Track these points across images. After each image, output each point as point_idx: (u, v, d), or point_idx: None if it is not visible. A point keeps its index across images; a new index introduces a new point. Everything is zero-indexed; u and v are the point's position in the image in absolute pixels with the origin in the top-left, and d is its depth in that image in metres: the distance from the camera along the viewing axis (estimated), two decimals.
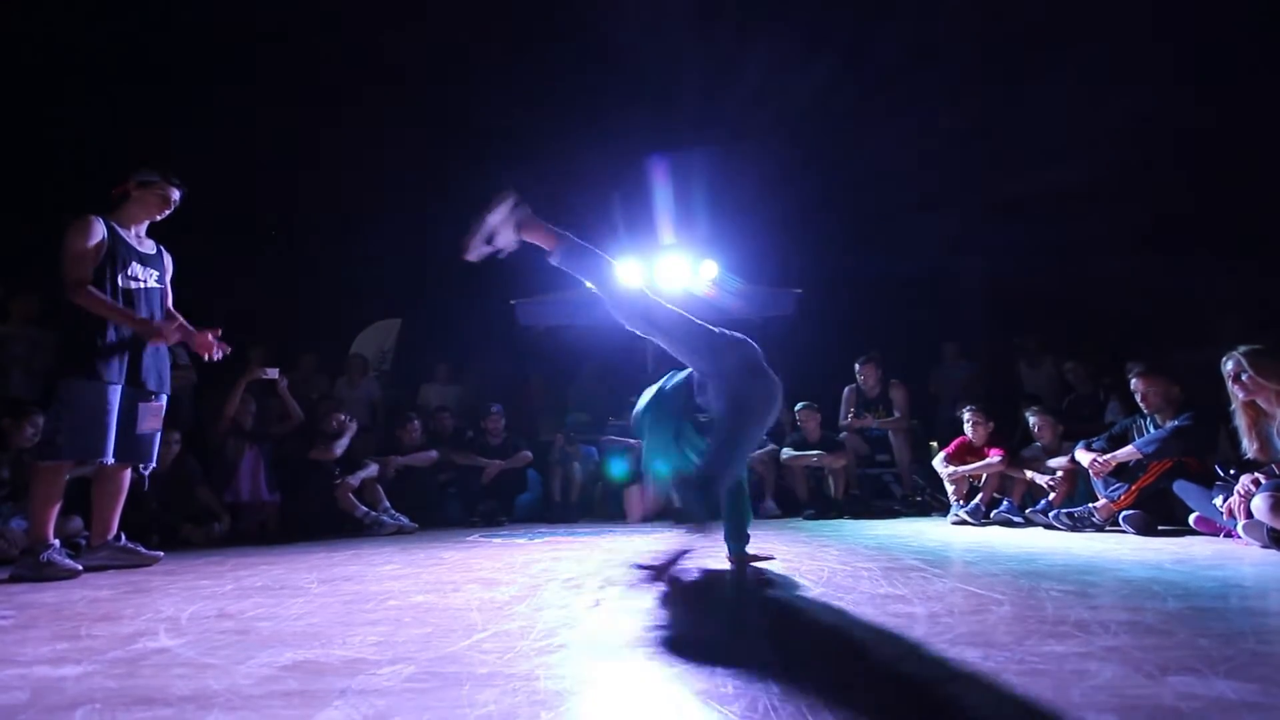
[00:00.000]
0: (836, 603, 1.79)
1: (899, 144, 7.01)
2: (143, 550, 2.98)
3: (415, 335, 7.71)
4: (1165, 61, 5.75)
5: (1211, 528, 3.24)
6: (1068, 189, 6.25)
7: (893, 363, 5.69)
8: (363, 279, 7.65)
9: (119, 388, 2.81)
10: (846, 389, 5.64)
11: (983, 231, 6.88)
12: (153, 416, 2.93)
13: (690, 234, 6.67)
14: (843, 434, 5.43)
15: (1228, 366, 3.02)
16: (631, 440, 5.50)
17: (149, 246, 3.02)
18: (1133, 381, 3.87)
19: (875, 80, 6.70)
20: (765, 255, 7.10)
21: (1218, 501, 3.14)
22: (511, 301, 6.62)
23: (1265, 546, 2.74)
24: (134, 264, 2.90)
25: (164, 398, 3.02)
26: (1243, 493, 2.89)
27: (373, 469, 4.68)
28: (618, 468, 5.36)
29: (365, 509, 4.51)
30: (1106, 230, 6.16)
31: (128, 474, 3.00)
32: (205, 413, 4.81)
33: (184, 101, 6.21)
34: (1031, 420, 4.49)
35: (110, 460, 2.78)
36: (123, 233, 2.90)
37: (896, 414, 5.41)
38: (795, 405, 5.43)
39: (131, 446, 2.89)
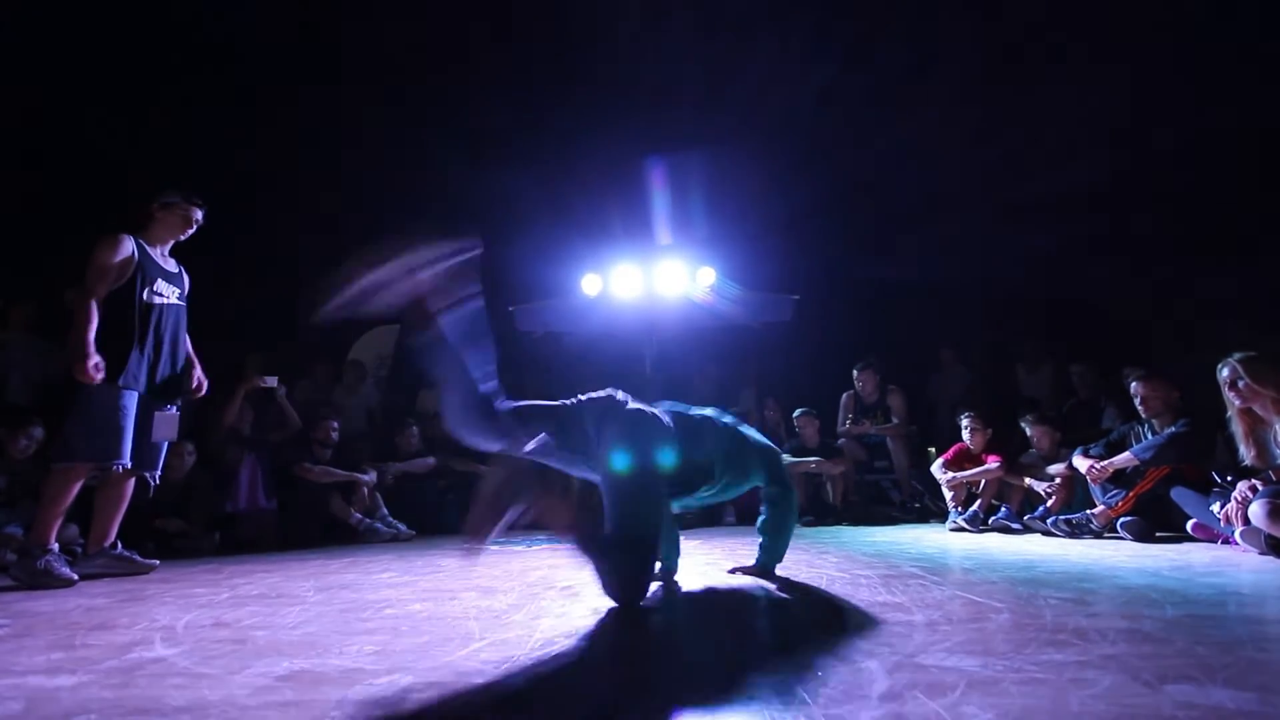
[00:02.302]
0: (835, 610, 1.79)
1: (898, 149, 7.03)
2: (138, 558, 2.98)
3: (414, 341, 7.69)
4: (1165, 65, 5.77)
5: (1209, 534, 3.24)
6: (1067, 194, 6.27)
7: (890, 369, 5.70)
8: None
9: (135, 394, 2.88)
10: (844, 395, 5.64)
11: (982, 237, 6.90)
12: (166, 425, 3.01)
13: (688, 239, 6.68)
14: (841, 440, 5.43)
15: (1224, 373, 3.03)
16: None
17: (172, 265, 3.15)
18: (1132, 386, 3.87)
19: (874, 85, 6.73)
20: (763, 261, 7.10)
21: (1215, 508, 3.15)
22: (510, 307, 6.63)
23: (1263, 553, 2.75)
24: (159, 280, 3.03)
25: (175, 408, 3.08)
26: (1240, 499, 2.90)
27: (371, 476, 4.68)
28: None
29: (360, 516, 4.50)
30: (1106, 236, 6.17)
31: (131, 483, 3.02)
32: (203, 421, 4.81)
33: (184, 110, 6.21)
34: (1029, 431, 4.49)
35: (128, 463, 2.84)
36: (150, 251, 3.03)
37: (895, 420, 5.41)
38: (794, 412, 5.43)
39: (144, 454, 2.95)
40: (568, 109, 7.18)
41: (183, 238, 3.15)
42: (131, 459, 2.87)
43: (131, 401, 2.87)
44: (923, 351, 6.70)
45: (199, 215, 3.14)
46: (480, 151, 7.23)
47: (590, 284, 6.19)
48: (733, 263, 6.47)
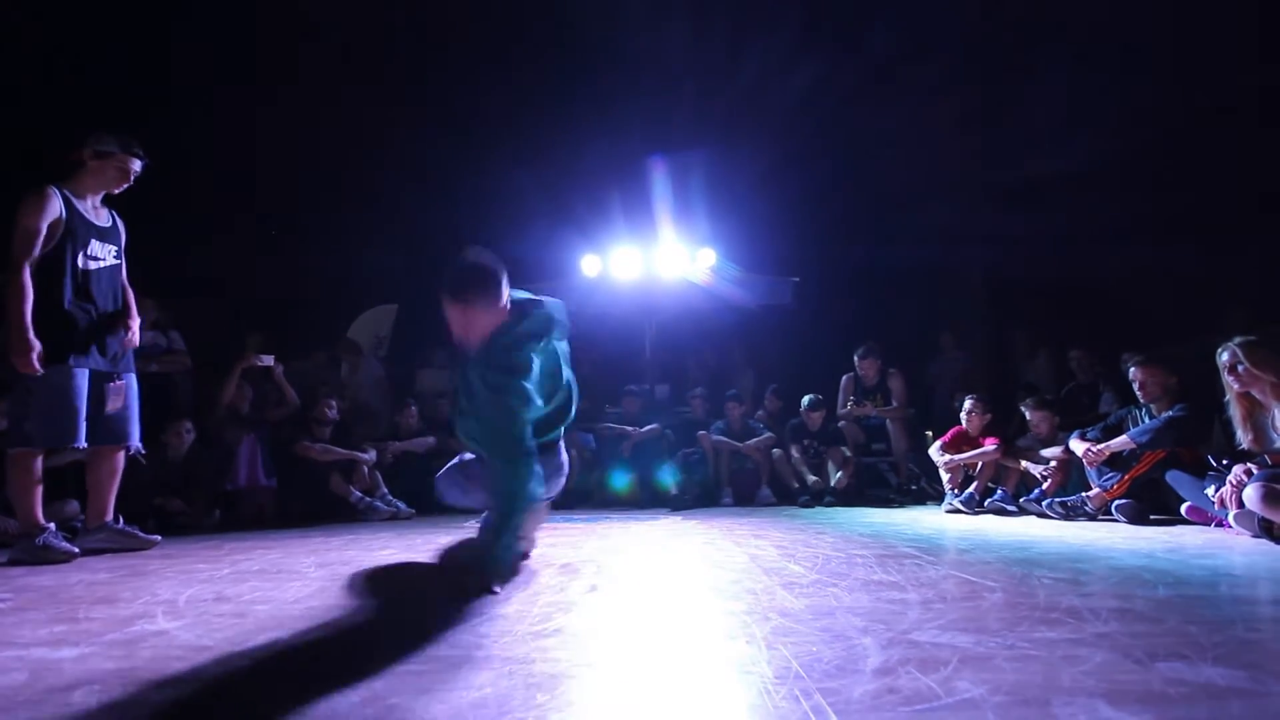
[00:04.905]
0: (830, 588, 1.80)
1: (897, 132, 6.97)
2: (140, 534, 2.98)
3: (412, 320, 7.69)
4: (1166, 48, 5.71)
5: (1203, 517, 3.27)
6: (1067, 178, 6.23)
7: (889, 351, 5.70)
8: (360, 265, 7.63)
9: (86, 371, 2.74)
10: (845, 377, 5.64)
11: (981, 221, 6.87)
12: (115, 396, 2.83)
13: (688, 222, 6.65)
14: (841, 423, 5.45)
15: (1223, 357, 3.03)
16: (629, 428, 5.52)
17: (104, 219, 2.87)
18: (1130, 371, 3.87)
19: (873, 68, 6.65)
20: (763, 243, 7.08)
21: (1209, 491, 3.17)
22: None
23: (1256, 536, 2.77)
24: (94, 241, 2.78)
25: (129, 377, 2.92)
26: (1235, 483, 2.91)
27: (371, 455, 4.69)
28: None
29: (360, 494, 4.52)
30: (1106, 219, 6.14)
31: (121, 456, 2.96)
32: (202, 399, 4.80)
33: (186, 95, 6.15)
34: (1029, 415, 4.49)
35: (82, 444, 2.71)
36: (79, 205, 2.74)
37: (895, 403, 5.42)
38: (802, 399, 5.42)
39: (103, 428, 2.82)
40: (568, 95, 7.11)
41: (116, 191, 2.85)
42: (89, 436, 2.72)
43: (83, 379, 2.71)
44: (922, 334, 6.69)
45: (137, 167, 2.83)
46: (481, 135, 7.17)
47: (589, 265, 6.16)
48: (733, 245, 6.44)
